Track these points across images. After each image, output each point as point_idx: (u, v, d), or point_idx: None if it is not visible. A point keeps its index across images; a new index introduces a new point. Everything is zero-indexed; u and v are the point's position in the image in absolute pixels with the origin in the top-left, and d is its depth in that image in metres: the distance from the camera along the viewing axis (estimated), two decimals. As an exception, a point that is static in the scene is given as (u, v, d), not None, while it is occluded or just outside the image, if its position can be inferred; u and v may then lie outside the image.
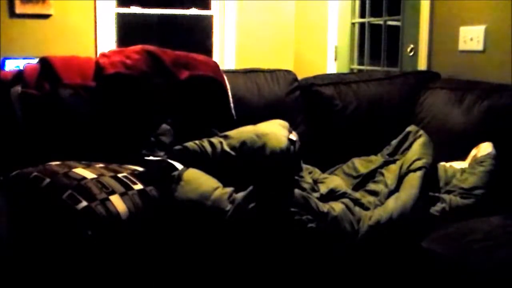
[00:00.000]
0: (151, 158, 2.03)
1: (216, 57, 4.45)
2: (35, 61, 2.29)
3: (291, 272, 1.87)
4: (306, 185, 2.07)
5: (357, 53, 4.09)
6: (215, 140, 2.07)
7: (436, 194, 2.10)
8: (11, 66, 3.60)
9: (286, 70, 2.78)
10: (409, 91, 2.79)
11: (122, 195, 1.79)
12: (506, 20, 2.59)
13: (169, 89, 2.31)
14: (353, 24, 4.06)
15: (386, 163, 2.30)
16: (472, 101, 2.43)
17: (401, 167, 2.17)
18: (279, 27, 4.52)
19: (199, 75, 2.38)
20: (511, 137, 2.23)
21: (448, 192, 2.12)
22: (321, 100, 2.70)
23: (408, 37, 3.38)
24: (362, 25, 3.98)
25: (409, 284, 1.86)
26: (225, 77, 2.49)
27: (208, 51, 4.45)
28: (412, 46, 3.33)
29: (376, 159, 2.39)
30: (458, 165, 2.29)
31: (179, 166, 1.95)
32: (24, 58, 3.54)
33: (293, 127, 2.27)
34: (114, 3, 4.19)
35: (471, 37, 2.79)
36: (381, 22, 3.66)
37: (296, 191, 1.93)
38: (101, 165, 1.97)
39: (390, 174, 2.19)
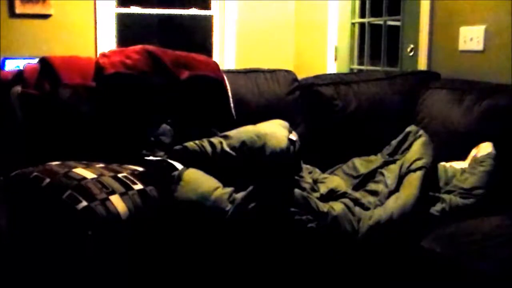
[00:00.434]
0: (151, 158, 2.03)
1: (216, 57, 4.45)
2: (35, 61, 2.30)
3: (291, 272, 1.87)
4: (306, 185, 2.07)
5: (357, 53, 4.09)
6: (215, 140, 2.07)
7: (436, 194, 2.10)
8: (11, 66, 3.60)
9: (286, 70, 2.78)
10: (409, 91, 2.79)
11: (122, 195, 1.79)
12: (506, 20, 2.59)
13: (169, 89, 2.31)
14: (353, 24, 4.06)
15: (386, 163, 2.30)
16: (472, 101, 2.43)
17: (401, 167, 2.17)
18: (279, 27, 4.52)
19: (199, 75, 2.38)
20: (511, 137, 2.23)
21: (448, 192, 2.12)
22: (321, 100, 2.70)
23: (408, 37, 3.38)
24: (362, 25, 3.98)
25: (409, 284, 1.86)
26: (225, 77, 2.49)
27: (208, 51, 4.45)
28: (412, 46, 3.33)
29: (376, 159, 2.39)
30: (458, 165, 2.29)
31: (179, 166, 1.95)
32: (24, 58, 3.53)
33: (293, 127, 2.26)
34: (114, 3, 4.19)
35: (471, 37, 2.79)
36: (381, 22, 3.66)
37: (296, 191, 1.93)
38: (101, 165, 1.97)
39: (390, 174, 2.19)
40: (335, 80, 2.77)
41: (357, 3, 4.02)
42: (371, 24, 3.85)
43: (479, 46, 2.75)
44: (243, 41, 4.44)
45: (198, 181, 1.90)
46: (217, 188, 1.90)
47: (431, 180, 2.12)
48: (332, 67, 4.18)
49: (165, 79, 2.31)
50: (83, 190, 1.75)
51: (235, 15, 4.41)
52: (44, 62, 2.25)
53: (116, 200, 1.76)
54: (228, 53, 4.44)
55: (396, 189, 2.10)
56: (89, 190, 1.75)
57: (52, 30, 3.89)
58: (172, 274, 1.81)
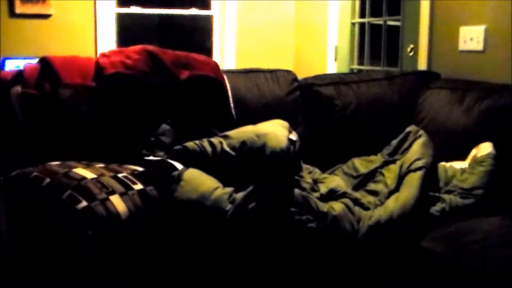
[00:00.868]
0: (151, 158, 2.03)
1: (216, 57, 4.45)
2: (35, 61, 2.30)
3: (291, 272, 1.87)
4: (306, 185, 2.07)
5: (357, 53, 4.09)
6: (215, 140, 2.07)
7: (436, 194, 2.10)
8: (11, 66, 3.60)
9: (286, 70, 2.78)
10: (409, 91, 2.79)
11: (122, 195, 1.79)
12: (506, 20, 2.59)
13: (169, 89, 2.31)
14: (353, 24, 4.06)
15: (386, 163, 2.30)
16: (472, 101, 2.43)
17: (401, 167, 2.17)
18: (279, 27, 4.52)
19: (199, 75, 2.38)
20: (511, 137, 2.23)
21: (448, 192, 2.12)
22: (321, 100, 2.70)
23: (408, 37, 3.38)
24: (362, 25, 3.98)
25: (409, 284, 1.86)
26: (225, 77, 2.49)
27: (208, 51, 4.45)
28: (412, 46, 3.33)
29: (376, 159, 2.39)
30: (458, 165, 2.29)
31: (179, 166, 1.95)
32: (24, 58, 3.54)
33: (293, 127, 2.27)
34: (114, 3, 4.19)
35: (471, 37, 2.78)
36: (381, 22, 3.66)
37: (296, 191, 1.93)
38: (101, 165, 1.97)
39: (390, 174, 2.20)
40: (335, 80, 2.77)
41: (357, 3, 4.02)
42: (371, 24, 3.85)
43: (479, 46, 2.75)
44: (243, 41, 4.44)
45: (198, 181, 1.90)
46: (217, 188, 1.90)
47: (431, 180, 2.12)
48: (332, 67, 4.19)
49: (165, 79, 2.31)
50: (83, 190, 1.75)
51: (235, 15, 4.41)
52: (44, 62, 2.25)
53: (116, 200, 1.76)
54: (228, 53, 4.44)
55: (396, 189, 2.10)
56: (89, 190, 1.76)
57: (52, 30, 3.89)
58: (172, 274, 1.81)
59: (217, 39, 4.50)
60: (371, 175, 2.28)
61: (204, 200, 1.85)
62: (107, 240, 1.71)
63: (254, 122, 2.21)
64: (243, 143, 2.02)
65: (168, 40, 4.70)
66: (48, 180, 1.79)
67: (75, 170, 1.86)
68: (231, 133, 2.11)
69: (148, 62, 2.31)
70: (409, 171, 2.11)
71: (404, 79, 2.85)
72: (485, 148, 2.21)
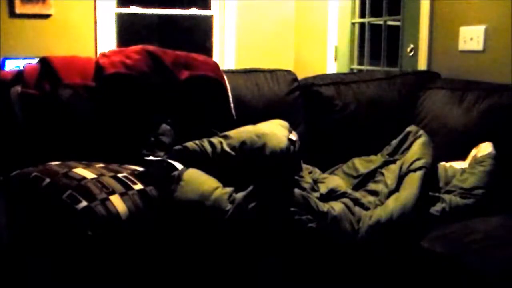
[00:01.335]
0: (151, 158, 2.03)
1: (216, 57, 4.45)
2: (35, 61, 2.29)
3: (291, 272, 1.87)
4: (306, 185, 2.07)
5: (357, 53, 4.09)
6: (215, 140, 2.07)
7: (436, 194, 2.10)
8: (11, 66, 3.60)
9: (286, 70, 2.78)
10: (409, 91, 2.79)
11: (122, 195, 1.79)
12: (506, 20, 2.59)
13: (169, 89, 2.31)
14: (353, 24, 4.06)
15: (386, 163, 2.30)
16: (472, 101, 2.44)
17: (401, 167, 2.17)
18: (279, 27, 4.52)
19: (199, 75, 2.38)
20: (511, 137, 2.23)
21: (448, 192, 2.12)
22: (321, 100, 2.70)
23: (408, 37, 3.38)
24: (362, 25, 3.98)
25: (409, 284, 1.86)
26: (225, 77, 2.49)
27: (208, 51, 4.45)
28: (412, 46, 3.33)
29: (376, 159, 2.39)
30: (458, 165, 2.29)
31: (179, 166, 1.95)
32: (24, 58, 3.54)
33: (293, 127, 2.26)
34: (114, 3, 4.19)
35: (471, 37, 2.79)
36: (381, 22, 3.66)
37: (296, 191, 1.93)
38: (101, 165, 1.97)
39: (390, 174, 2.19)
40: (335, 80, 2.77)
41: (357, 3, 4.02)
42: (371, 24, 3.85)
43: (479, 46, 2.75)
44: (243, 41, 4.44)
45: (198, 181, 1.90)
46: (217, 188, 1.90)
47: (431, 180, 2.12)
48: (332, 67, 4.19)
49: (165, 79, 2.31)
50: (83, 190, 1.75)
51: (235, 15, 4.41)
52: (44, 62, 2.25)
53: (116, 200, 1.76)
54: (228, 53, 4.44)
55: (396, 189, 2.10)
56: (89, 190, 1.75)
57: (52, 30, 3.90)
58: (172, 274, 1.81)
59: (217, 39, 4.51)
60: (371, 175, 2.28)
61: (204, 200, 1.85)
62: (107, 240, 1.71)
63: (254, 122, 2.21)
64: (243, 143, 2.02)
65: (168, 40, 4.70)
66: (48, 180, 1.79)
67: (75, 170, 1.86)
68: (231, 133, 2.10)
69: (148, 62, 2.31)
70: (409, 171, 2.12)
71: (404, 79, 2.85)
72: (485, 148, 2.21)
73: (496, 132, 2.28)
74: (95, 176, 1.83)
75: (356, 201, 2.06)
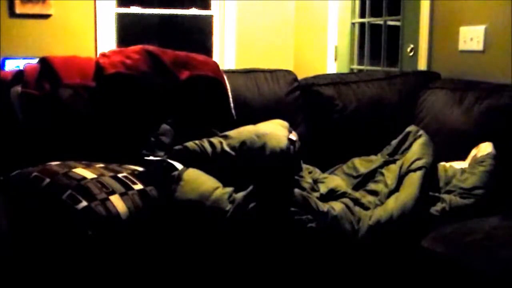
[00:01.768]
0: (151, 158, 2.03)
1: (216, 57, 4.45)
2: (35, 61, 2.29)
3: (291, 272, 1.87)
4: (306, 185, 2.07)
5: (357, 53, 4.09)
6: (215, 140, 2.07)
7: (436, 194, 2.10)
8: (11, 66, 3.60)
9: (286, 70, 2.78)
10: (409, 91, 2.79)
11: (122, 195, 1.79)
12: (506, 20, 2.59)
13: (169, 89, 2.31)
14: (353, 24, 4.06)
15: (386, 163, 2.30)
16: (472, 101, 2.43)
17: (401, 167, 2.17)
18: (279, 27, 4.52)
19: (199, 75, 2.38)
20: (511, 137, 2.23)
21: (448, 192, 2.12)
22: (321, 100, 2.70)
23: (408, 37, 3.38)
24: (362, 25, 3.98)
25: (409, 284, 1.86)
26: (225, 77, 2.49)
27: (208, 51, 4.45)
28: (412, 46, 3.33)
29: (376, 159, 2.39)
30: (458, 165, 2.29)
31: (179, 166, 1.95)
32: (24, 58, 3.54)
33: (293, 127, 2.27)
34: (114, 3, 4.19)
35: (471, 37, 2.78)
36: (381, 22, 3.66)
37: (296, 191, 1.93)
38: (101, 165, 1.97)
39: (390, 174, 2.19)
40: (335, 80, 2.77)
41: (357, 3, 4.03)
42: (371, 24, 3.85)
43: (479, 46, 2.75)
44: (243, 41, 4.44)
45: (198, 181, 1.90)
46: (217, 188, 1.90)
47: (431, 180, 2.12)
48: (332, 67, 4.19)
49: (165, 79, 2.31)
50: (83, 190, 1.75)
51: (235, 15, 4.41)
52: (44, 62, 2.25)
53: (116, 200, 1.76)
54: (228, 53, 4.44)
55: (396, 189, 2.10)
56: (89, 190, 1.75)
57: (52, 30, 3.90)
58: (172, 274, 1.81)
59: (217, 39, 4.51)
60: (371, 175, 2.28)
61: (204, 200, 1.85)
62: (107, 240, 1.71)
63: (254, 122, 2.21)
64: (243, 143, 2.02)
65: (168, 40, 4.70)
66: (48, 180, 1.79)
67: (75, 170, 1.86)
68: (231, 133, 2.11)
69: (148, 62, 2.31)
70: (409, 171, 2.12)
71: (404, 79, 2.85)
72: (485, 148, 2.21)
73: (496, 132, 2.28)
74: (95, 176, 1.83)
75: (356, 201, 2.06)
